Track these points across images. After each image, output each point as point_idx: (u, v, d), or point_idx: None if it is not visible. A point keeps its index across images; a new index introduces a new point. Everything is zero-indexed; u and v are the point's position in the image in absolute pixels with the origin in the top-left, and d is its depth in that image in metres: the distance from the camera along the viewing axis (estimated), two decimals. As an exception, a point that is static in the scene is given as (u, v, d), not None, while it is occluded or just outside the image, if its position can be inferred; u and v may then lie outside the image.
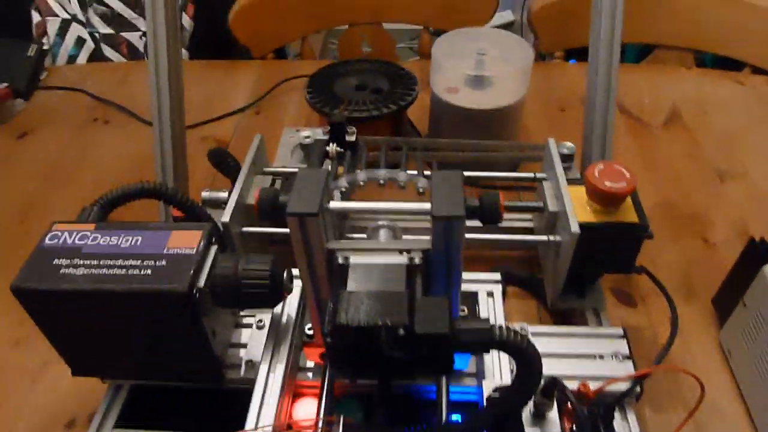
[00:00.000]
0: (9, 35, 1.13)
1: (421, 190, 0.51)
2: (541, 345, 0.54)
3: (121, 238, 0.51)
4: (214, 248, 0.51)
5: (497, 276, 0.57)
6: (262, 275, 0.49)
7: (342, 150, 0.61)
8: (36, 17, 1.23)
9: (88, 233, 0.51)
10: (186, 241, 0.50)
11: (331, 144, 0.61)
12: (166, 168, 0.71)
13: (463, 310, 0.53)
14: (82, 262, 0.49)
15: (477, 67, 0.84)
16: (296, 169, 0.63)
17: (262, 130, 0.72)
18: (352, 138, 0.64)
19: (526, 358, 0.40)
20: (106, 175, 0.94)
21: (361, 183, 0.46)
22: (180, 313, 0.48)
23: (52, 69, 1.19)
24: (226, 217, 0.57)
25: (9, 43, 1.12)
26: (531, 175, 0.67)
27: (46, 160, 0.97)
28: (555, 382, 0.44)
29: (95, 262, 0.48)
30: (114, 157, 0.98)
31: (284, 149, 0.74)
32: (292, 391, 0.53)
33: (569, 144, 0.68)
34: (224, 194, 0.63)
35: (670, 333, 0.56)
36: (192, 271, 0.47)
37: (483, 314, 0.54)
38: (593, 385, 0.51)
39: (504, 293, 0.63)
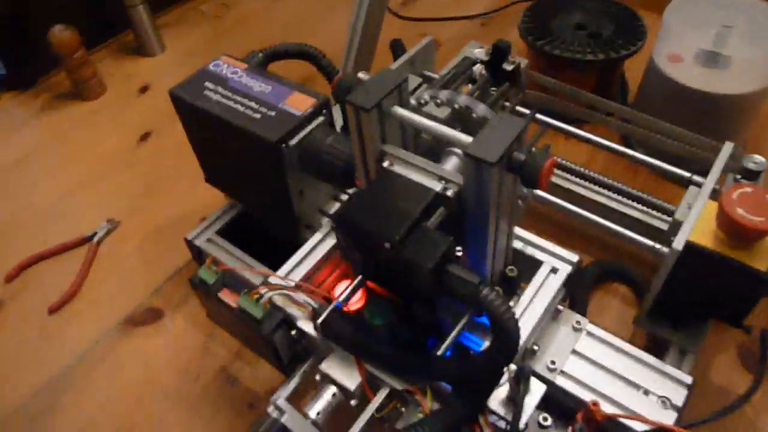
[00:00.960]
0: None
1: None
2: (596, 353, 0.50)
3: (257, 82, 0.58)
4: (321, 118, 0.55)
5: (573, 256, 0.51)
6: (340, 155, 0.52)
7: (487, 74, 0.59)
8: None
9: (239, 70, 0.60)
10: (300, 103, 0.55)
11: (478, 66, 0.59)
12: (353, 42, 0.76)
13: (512, 270, 0.50)
14: (221, 90, 0.57)
15: (717, 41, 0.70)
16: (437, 76, 0.62)
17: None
18: (509, 67, 0.61)
19: (502, 331, 0.38)
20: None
21: (438, 102, 0.44)
22: (268, 159, 0.54)
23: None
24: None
25: None
26: (687, 174, 0.56)
27: (294, 15, 1.11)
28: (523, 370, 0.40)
29: (229, 94, 0.57)
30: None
31: (456, 60, 0.73)
32: (340, 268, 0.57)
33: (759, 158, 0.55)
34: (365, 76, 0.65)
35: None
36: (288, 129, 0.53)
37: (531, 287, 0.49)
38: (609, 410, 0.46)
39: (585, 285, 0.57)
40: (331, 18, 1.10)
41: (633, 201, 0.60)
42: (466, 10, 1.06)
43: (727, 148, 0.54)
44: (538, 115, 0.68)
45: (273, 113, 0.55)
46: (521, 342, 0.46)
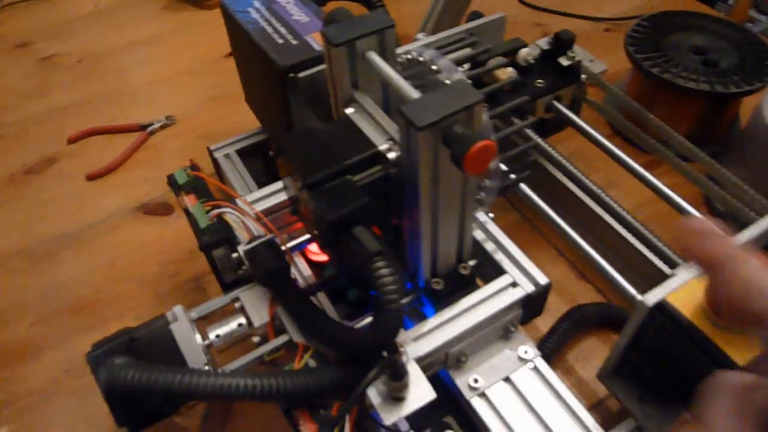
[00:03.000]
0: None
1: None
2: (531, 389, 0.44)
3: (299, 11, 0.57)
4: (340, 59, 0.53)
5: (543, 279, 0.44)
6: (337, 99, 0.50)
7: (534, 62, 0.53)
8: None
9: (290, -3, 0.59)
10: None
11: (526, 50, 0.53)
12: (436, 5, 0.73)
13: (465, 268, 0.44)
14: (263, 11, 0.57)
15: None
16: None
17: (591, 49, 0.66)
18: (565, 62, 0.54)
19: (379, 308, 0.34)
20: None
21: (421, 59, 0.40)
22: (276, 85, 0.53)
23: None
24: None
25: None
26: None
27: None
28: (392, 362, 0.35)
29: (267, 15, 0.57)
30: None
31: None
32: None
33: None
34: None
35: None
36: (301, 60, 0.52)
37: (481, 292, 0.44)
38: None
39: (574, 320, 0.51)
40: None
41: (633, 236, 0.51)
42: (596, 12, 0.97)
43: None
44: (601, 139, 0.58)
45: (296, 42, 0.54)
46: (438, 343, 0.42)
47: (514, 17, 0.96)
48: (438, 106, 0.33)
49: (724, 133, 0.74)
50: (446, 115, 0.33)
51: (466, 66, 0.53)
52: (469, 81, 0.36)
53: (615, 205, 0.53)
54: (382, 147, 0.38)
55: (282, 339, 0.43)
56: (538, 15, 0.97)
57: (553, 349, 0.52)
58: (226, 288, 0.53)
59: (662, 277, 0.46)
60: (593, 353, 0.57)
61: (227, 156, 0.66)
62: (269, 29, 0.55)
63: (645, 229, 0.50)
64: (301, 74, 0.52)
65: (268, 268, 0.43)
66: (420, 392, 0.39)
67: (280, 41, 0.54)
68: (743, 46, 0.70)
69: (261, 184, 0.63)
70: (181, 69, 0.93)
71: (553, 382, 0.45)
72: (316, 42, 0.54)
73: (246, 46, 0.56)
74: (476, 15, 0.70)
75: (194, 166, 0.53)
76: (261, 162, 0.67)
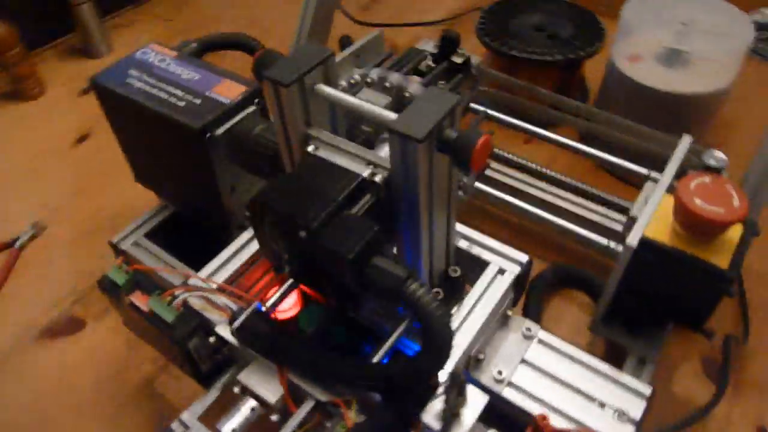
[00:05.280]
0: None
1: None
2: (547, 362, 0.46)
3: (185, 70, 0.53)
4: (252, 108, 0.51)
5: (523, 257, 0.47)
6: (269, 145, 0.48)
7: (439, 66, 0.55)
8: None
9: (168, 59, 0.55)
10: (229, 91, 0.51)
11: (426, 60, 0.56)
12: (303, 27, 0.72)
13: (456, 270, 0.45)
14: (146, 78, 0.53)
15: (676, 39, 0.68)
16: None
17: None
18: (458, 60, 0.58)
19: (431, 331, 0.33)
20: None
21: (369, 80, 0.40)
22: (192, 149, 0.49)
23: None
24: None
25: None
26: (645, 171, 0.53)
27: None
28: (456, 378, 0.35)
29: (154, 82, 0.52)
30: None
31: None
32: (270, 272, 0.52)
33: (719, 154, 0.52)
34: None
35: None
36: (213, 117, 0.48)
37: (476, 289, 0.45)
38: (560, 424, 0.41)
39: (540, 290, 0.53)
40: (287, 21, 1.06)
41: (590, 200, 0.56)
42: (424, 17, 1.03)
43: (685, 141, 0.51)
44: (495, 113, 0.64)
45: (199, 101, 0.50)
46: (463, 349, 0.42)
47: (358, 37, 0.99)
48: (425, 116, 0.34)
49: (578, 94, 0.84)
50: (438, 121, 0.33)
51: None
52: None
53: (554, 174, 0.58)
54: (366, 174, 0.37)
55: (307, 406, 0.40)
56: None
57: (538, 318, 0.55)
58: (204, 378, 0.47)
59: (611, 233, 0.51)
60: (561, 315, 0.61)
61: (137, 244, 0.59)
62: (164, 95, 0.51)
63: (587, 186, 0.55)
64: (218, 131, 0.49)
65: (268, 337, 0.40)
66: (473, 399, 0.38)
67: (182, 104, 0.50)
68: (575, 17, 0.80)
69: (189, 260, 0.58)
70: (28, 169, 0.82)
71: (561, 346, 0.47)
72: (220, 95, 0.51)
73: (140, 119, 0.51)
74: (346, 39, 0.71)
75: (129, 260, 0.47)
76: (175, 239, 0.61)
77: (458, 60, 0.57)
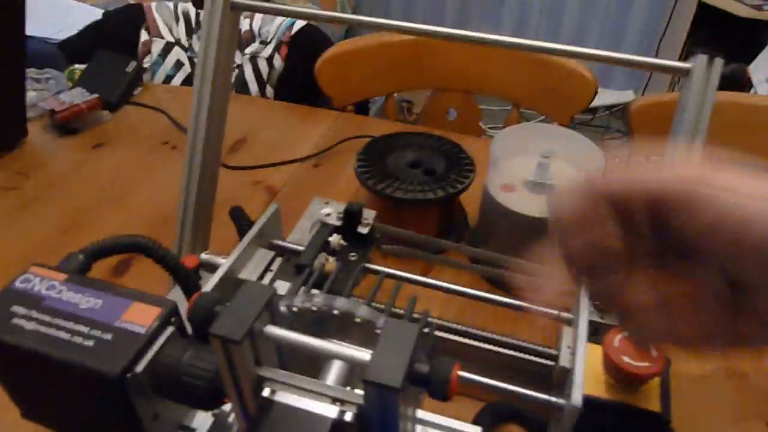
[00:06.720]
0: (115, 51, 1.20)
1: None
2: None
3: (82, 298, 0.48)
4: (169, 329, 0.47)
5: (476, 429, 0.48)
6: (202, 375, 0.44)
7: (346, 244, 0.57)
8: (144, 36, 1.31)
9: (57, 284, 0.50)
10: (142, 316, 0.47)
11: (335, 235, 0.57)
12: (186, 215, 0.70)
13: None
14: (37, 315, 0.47)
15: (539, 171, 0.76)
16: (290, 245, 0.59)
17: (316, 186, 0.69)
18: (364, 230, 0.59)
19: None
20: (158, 201, 0.96)
21: (314, 309, 0.40)
22: (110, 394, 0.44)
23: (147, 86, 1.25)
24: (206, 288, 0.54)
25: (114, 58, 1.19)
26: (555, 312, 0.57)
27: (108, 174, 1.01)
28: None
29: (48, 319, 0.46)
30: (170, 184, 0.99)
31: (306, 221, 0.70)
32: None
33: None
34: (223, 260, 0.60)
35: None
36: (131, 354, 0.44)
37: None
38: None
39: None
40: (151, 177, 1.02)
41: (508, 349, 0.59)
42: (295, 153, 1.05)
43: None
44: (392, 270, 0.65)
45: (109, 335, 0.45)
46: None
47: (230, 184, 0.97)
48: (395, 358, 0.34)
49: (460, 218, 0.90)
50: (409, 363, 0.34)
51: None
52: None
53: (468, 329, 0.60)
54: (335, 414, 0.36)
55: None
56: (250, 174, 1.01)
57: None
58: None
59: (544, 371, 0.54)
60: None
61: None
62: (64, 335, 0.45)
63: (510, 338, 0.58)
64: (138, 368, 0.44)
65: None
66: None
67: (90, 343, 0.45)
68: (444, 151, 0.87)
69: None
70: None
71: None
72: (132, 324, 0.46)
73: (39, 368, 0.45)
74: (236, 211, 0.70)
75: None
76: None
77: (364, 231, 0.59)
